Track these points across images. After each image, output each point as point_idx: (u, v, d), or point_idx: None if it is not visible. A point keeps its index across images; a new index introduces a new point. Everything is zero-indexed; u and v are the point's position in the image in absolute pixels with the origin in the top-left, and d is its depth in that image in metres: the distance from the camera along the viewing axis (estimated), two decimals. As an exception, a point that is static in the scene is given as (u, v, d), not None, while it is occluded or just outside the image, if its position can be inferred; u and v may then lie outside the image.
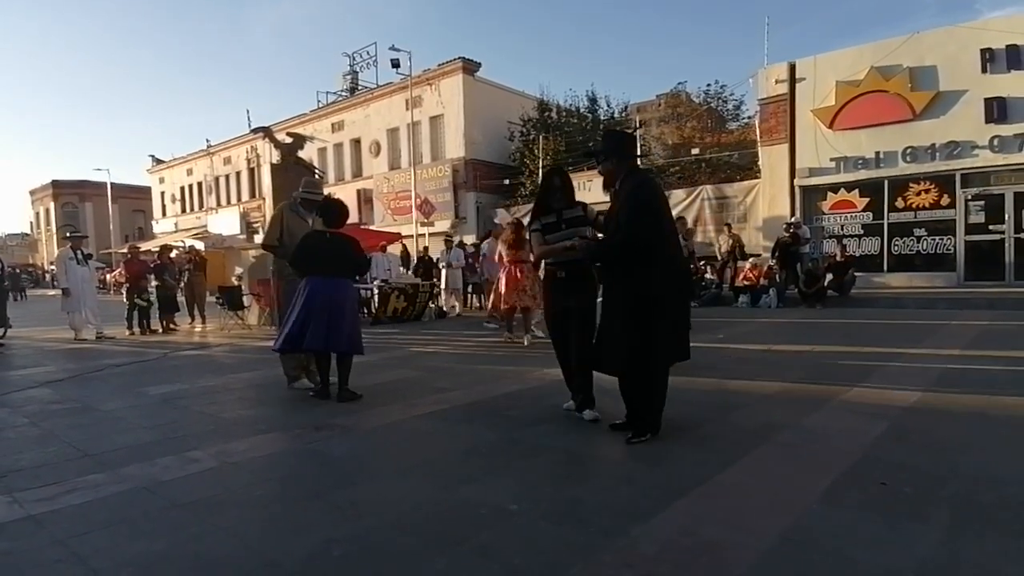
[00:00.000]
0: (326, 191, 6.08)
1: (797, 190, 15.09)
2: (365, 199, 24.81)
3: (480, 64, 22.21)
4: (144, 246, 19.53)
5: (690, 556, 2.07)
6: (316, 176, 13.44)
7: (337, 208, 4.93)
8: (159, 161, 38.10)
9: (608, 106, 24.12)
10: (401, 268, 13.69)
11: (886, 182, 14.02)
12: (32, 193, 49.43)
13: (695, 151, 19.75)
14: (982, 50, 12.68)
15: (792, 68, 15.12)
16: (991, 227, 12.99)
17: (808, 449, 3.20)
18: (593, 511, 2.46)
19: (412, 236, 19.57)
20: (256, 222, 27.57)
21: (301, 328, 4.55)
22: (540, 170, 19.96)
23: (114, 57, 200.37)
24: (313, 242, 4.72)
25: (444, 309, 12.55)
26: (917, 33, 13.55)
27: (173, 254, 13.05)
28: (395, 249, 16.23)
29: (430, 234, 19.91)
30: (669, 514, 2.40)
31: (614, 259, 3.41)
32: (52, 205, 45.49)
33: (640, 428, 3.37)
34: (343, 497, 2.70)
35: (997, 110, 12.59)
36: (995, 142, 12.66)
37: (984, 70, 12.74)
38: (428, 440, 3.67)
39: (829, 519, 2.31)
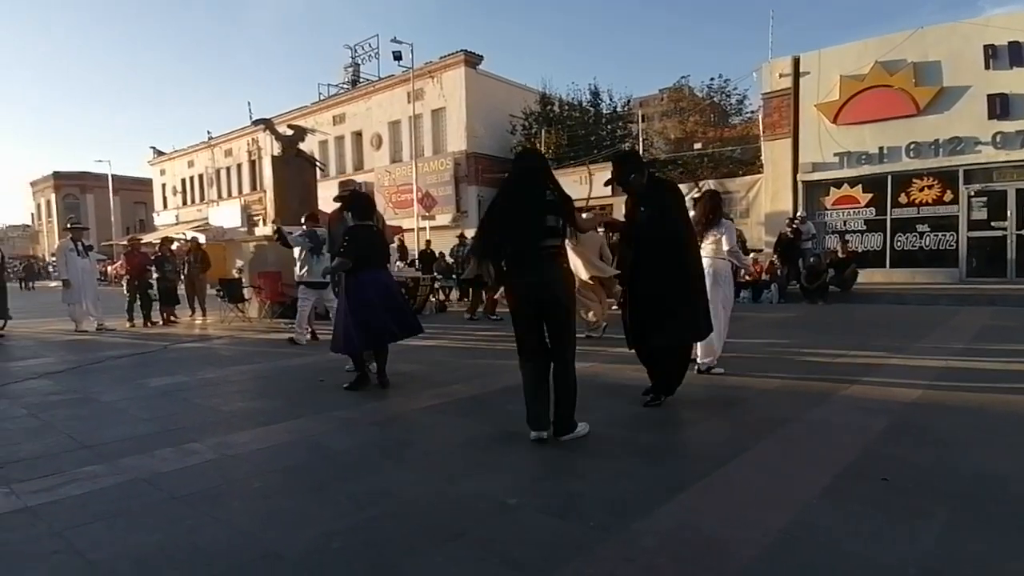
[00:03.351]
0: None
1: (800, 185, 15.05)
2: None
3: (482, 57, 22.12)
4: (145, 238, 19.52)
5: (690, 550, 2.06)
6: (318, 168, 13.44)
7: (365, 201, 5.12)
8: (160, 153, 38.03)
9: (611, 100, 23.93)
10: (400, 263, 13.62)
11: (889, 177, 13.96)
12: (33, 185, 49.39)
13: (697, 146, 19.67)
14: (985, 46, 12.63)
15: (796, 62, 15.03)
16: (993, 223, 12.95)
17: (809, 444, 3.19)
18: (592, 505, 2.46)
19: (413, 229, 19.53)
20: (257, 214, 27.55)
21: (378, 323, 4.65)
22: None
23: (115, 48, 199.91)
24: (364, 235, 4.81)
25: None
26: (921, 28, 13.47)
27: (174, 246, 13.02)
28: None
29: (431, 228, 19.87)
30: (669, 508, 2.39)
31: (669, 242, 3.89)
32: (53, 197, 45.48)
33: (658, 393, 3.94)
34: (343, 490, 2.69)
35: (1000, 106, 12.55)
36: (998, 138, 12.62)
37: (987, 66, 12.69)
38: (428, 433, 3.67)
39: (830, 514, 2.30)
